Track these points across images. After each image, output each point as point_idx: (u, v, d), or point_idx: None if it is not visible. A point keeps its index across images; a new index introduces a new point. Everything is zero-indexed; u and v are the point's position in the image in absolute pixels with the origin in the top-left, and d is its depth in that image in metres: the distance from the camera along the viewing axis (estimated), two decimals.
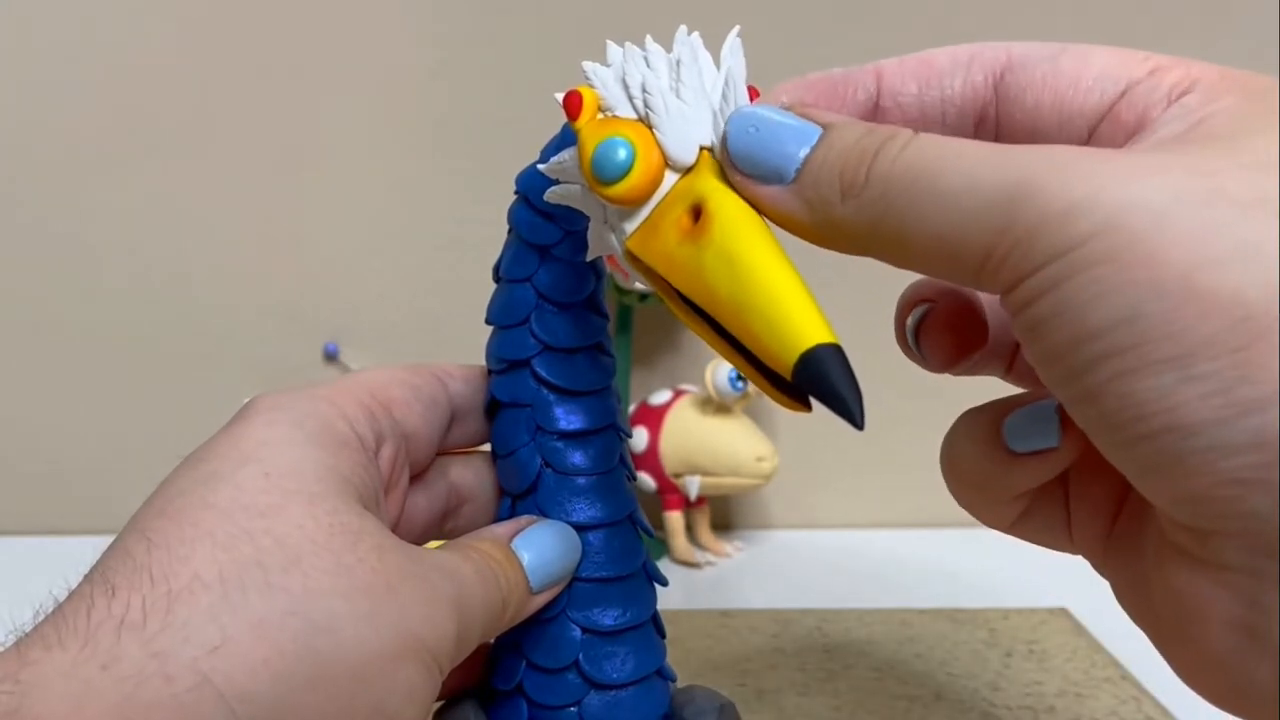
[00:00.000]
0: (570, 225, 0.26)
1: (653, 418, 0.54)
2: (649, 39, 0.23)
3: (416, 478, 0.27)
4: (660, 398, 0.55)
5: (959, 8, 0.54)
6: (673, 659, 0.28)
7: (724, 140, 0.21)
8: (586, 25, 0.54)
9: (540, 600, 0.26)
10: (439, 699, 0.25)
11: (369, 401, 0.25)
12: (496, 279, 0.28)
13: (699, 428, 0.53)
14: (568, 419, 0.27)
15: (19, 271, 0.57)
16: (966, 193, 0.18)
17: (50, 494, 0.59)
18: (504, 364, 0.27)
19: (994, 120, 0.22)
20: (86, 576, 0.20)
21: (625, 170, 0.21)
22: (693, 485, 0.53)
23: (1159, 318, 0.16)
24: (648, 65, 0.22)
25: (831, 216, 0.20)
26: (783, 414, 0.58)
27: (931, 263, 0.19)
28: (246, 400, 0.24)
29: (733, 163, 0.21)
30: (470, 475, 0.28)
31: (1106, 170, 0.17)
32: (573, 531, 0.26)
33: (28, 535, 0.59)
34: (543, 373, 0.27)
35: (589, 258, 0.25)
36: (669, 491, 0.54)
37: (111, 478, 0.58)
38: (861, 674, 0.42)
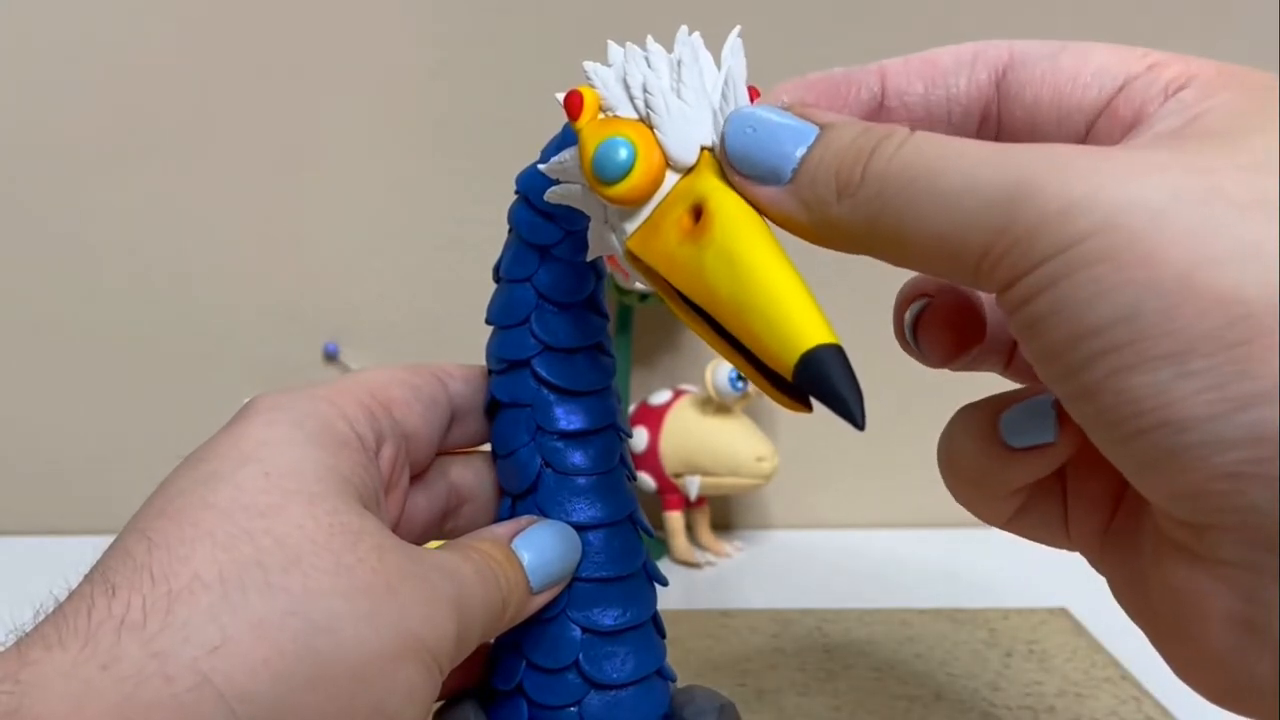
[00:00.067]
0: (570, 225, 0.26)
1: (653, 418, 0.54)
2: (650, 39, 0.23)
3: (416, 478, 0.27)
4: (660, 398, 0.55)
5: (959, 8, 0.54)
6: (673, 659, 0.28)
7: (722, 141, 0.21)
8: (586, 25, 0.54)
9: (540, 600, 0.26)
10: (439, 699, 0.25)
11: (369, 401, 0.25)
12: (496, 279, 0.28)
13: (699, 428, 0.53)
14: (568, 419, 0.27)
15: (19, 271, 0.57)
16: (966, 192, 0.18)
17: (50, 494, 0.59)
18: (504, 364, 0.27)
19: (996, 118, 0.22)
20: (87, 576, 0.20)
21: (626, 170, 0.21)
22: (693, 485, 0.53)
23: (1157, 315, 0.16)
24: (649, 65, 0.22)
25: (828, 216, 0.20)
26: (783, 414, 0.58)
27: (929, 261, 0.19)
28: (246, 400, 0.24)
29: (731, 163, 0.21)
30: (470, 475, 0.28)
31: (1105, 169, 0.17)
32: (573, 531, 0.26)
33: (28, 535, 0.59)
34: (543, 373, 0.27)
35: (589, 258, 0.25)
36: (669, 491, 0.54)
37: (111, 478, 0.58)
38: (861, 674, 0.42)
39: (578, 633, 0.26)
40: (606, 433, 0.27)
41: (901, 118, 0.23)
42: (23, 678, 0.18)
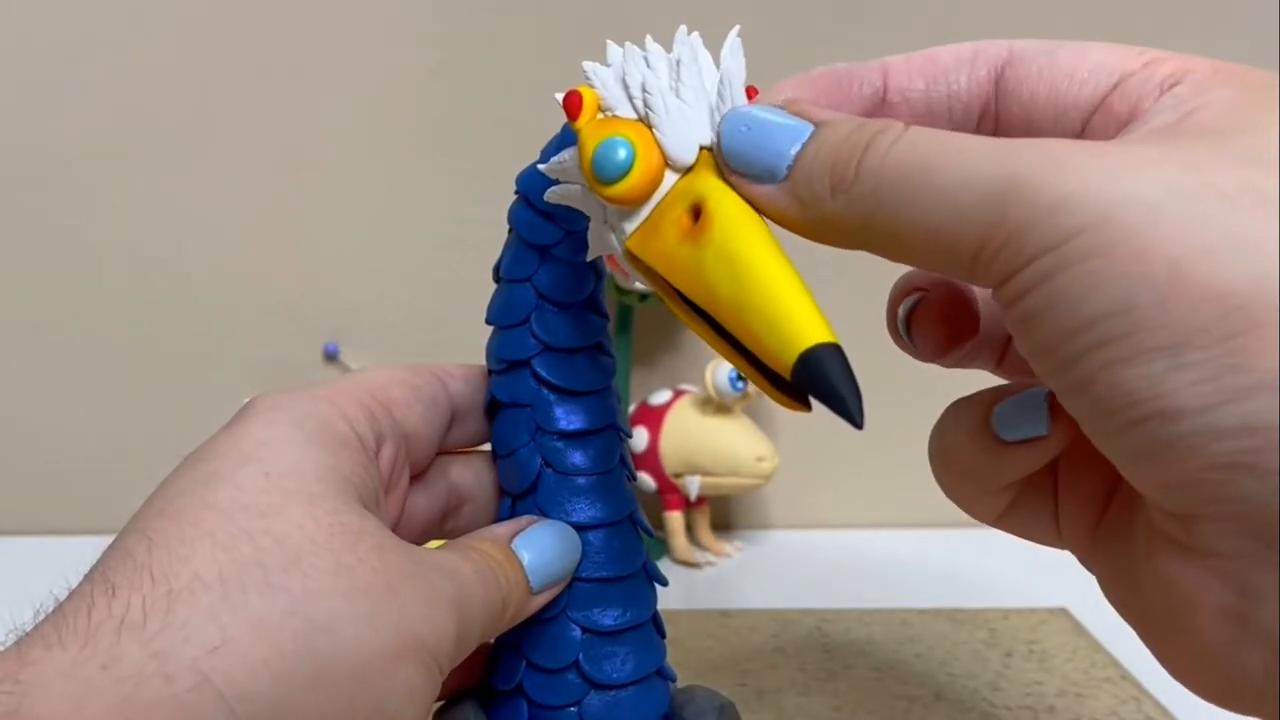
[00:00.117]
0: (570, 225, 0.26)
1: (653, 418, 0.54)
2: (649, 39, 0.23)
3: (416, 478, 0.27)
4: (660, 398, 0.55)
5: (959, 8, 0.54)
6: (673, 659, 0.28)
7: (718, 140, 0.21)
8: (586, 25, 0.54)
9: (540, 600, 0.26)
10: (439, 699, 0.25)
11: (369, 401, 0.25)
12: (496, 279, 0.28)
13: (699, 428, 0.53)
14: (568, 419, 0.27)
15: (19, 271, 0.57)
16: (961, 187, 0.18)
17: (50, 494, 0.59)
18: (504, 364, 0.27)
19: (994, 114, 0.22)
20: (86, 576, 0.20)
21: (625, 170, 0.21)
22: (693, 485, 0.53)
23: (1151, 308, 0.16)
24: (648, 65, 0.22)
25: (823, 212, 0.20)
26: (783, 414, 0.58)
27: (925, 256, 0.19)
28: (246, 400, 0.24)
29: (727, 162, 0.21)
30: (470, 475, 0.28)
31: (1099, 164, 0.17)
32: (573, 532, 0.26)
33: (28, 535, 0.59)
34: (543, 373, 0.27)
35: (589, 258, 0.25)
36: (669, 491, 0.54)
37: (111, 478, 0.58)
38: (861, 674, 0.42)
39: (578, 633, 0.26)
40: (606, 433, 0.27)
41: (903, 114, 0.23)
42: (23, 677, 0.18)
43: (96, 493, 0.56)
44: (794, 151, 0.20)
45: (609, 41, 0.23)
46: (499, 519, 0.28)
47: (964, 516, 0.25)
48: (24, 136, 0.55)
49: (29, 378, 0.58)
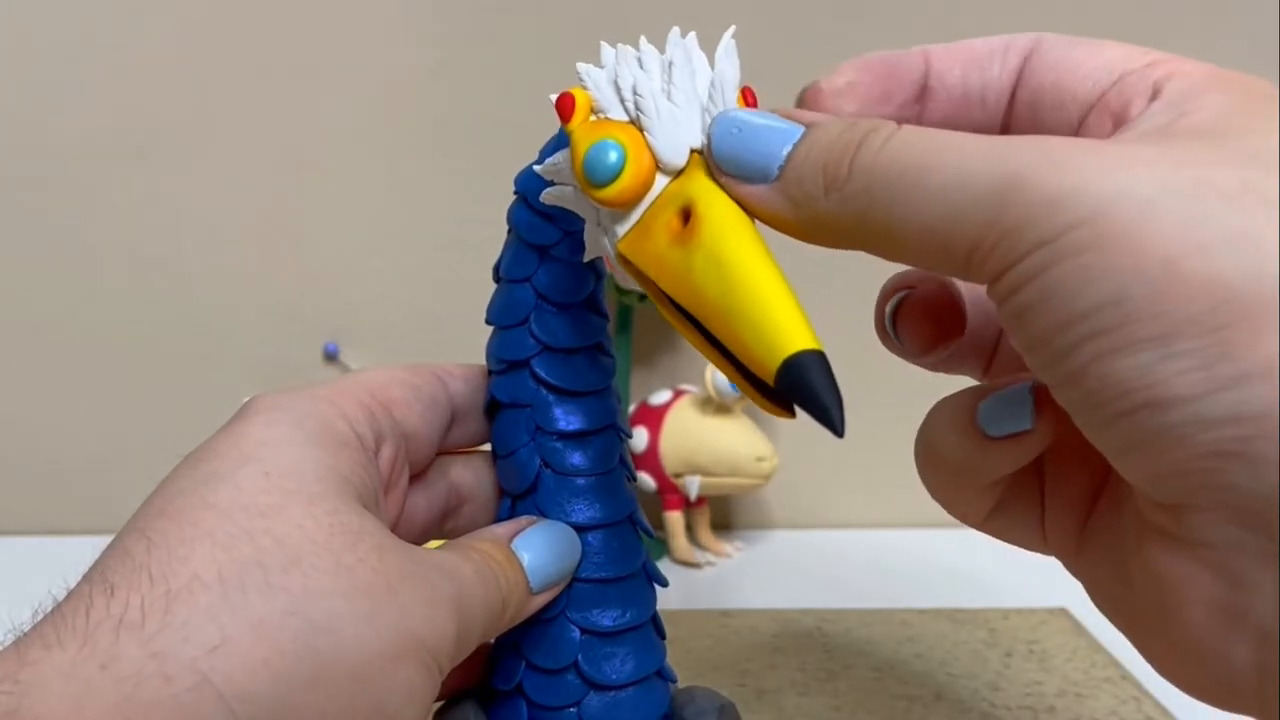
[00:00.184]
0: (569, 226, 0.26)
1: (653, 418, 0.54)
2: (643, 40, 0.23)
3: (416, 478, 0.27)
4: (660, 398, 0.55)
5: (959, 8, 0.54)
6: (673, 659, 0.28)
7: (708, 142, 0.21)
8: (586, 25, 0.54)
9: (540, 601, 0.26)
10: (439, 699, 0.25)
11: (369, 401, 0.25)
12: (496, 279, 0.28)
13: (699, 428, 0.53)
14: (567, 419, 0.27)
15: (19, 271, 0.57)
16: (955, 186, 0.18)
17: (50, 494, 0.59)
18: (504, 364, 0.27)
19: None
20: (85, 576, 0.20)
21: (616, 173, 0.21)
22: (693, 485, 0.53)
23: (1144, 300, 0.16)
24: (640, 67, 0.22)
25: (816, 211, 0.20)
26: None
27: (919, 254, 0.19)
28: (246, 400, 0.24)
29: (718, 164, 0.21)
30: (470, 475, 0.28)
31: (1094, 161, 0.17)
32: (572, 532, 0.26)
33: (28, 535, 0.59)
34: (542, 373, 0.27)
35: (586, 259, 0.25)
36: (669, 491, 0.54)
37: (111, 478, 0.58)
38: (861, 674, 0.42)
39: (577, 633, 0.26)
40: (606, 433, 0.27)
41: (941, 100, 0.23)
42: (22, 678, 0.18)
43: (96, 493, 0.56)
44: (786, 152, 0.20)
45: (602, 43, 0.23)
46: (499, 519, 0.28)
47: None
48: (24, 136, 0.55)
49: (29, 378, 0.58)
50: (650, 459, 0.54)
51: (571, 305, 0.27)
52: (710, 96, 0.22)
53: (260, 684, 0.19)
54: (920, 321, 0.25)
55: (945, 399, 0.24)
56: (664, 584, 0.28)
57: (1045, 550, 0.24)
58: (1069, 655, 0.43)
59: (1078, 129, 0.21)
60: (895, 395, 0.48)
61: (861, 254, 0.21)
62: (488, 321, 0.28)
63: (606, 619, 0.26)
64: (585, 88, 0.23)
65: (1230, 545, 0.17)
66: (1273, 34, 0.53)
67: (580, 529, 0.26)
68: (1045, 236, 0.17)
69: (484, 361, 0.28)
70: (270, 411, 0.23)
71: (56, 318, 0.58)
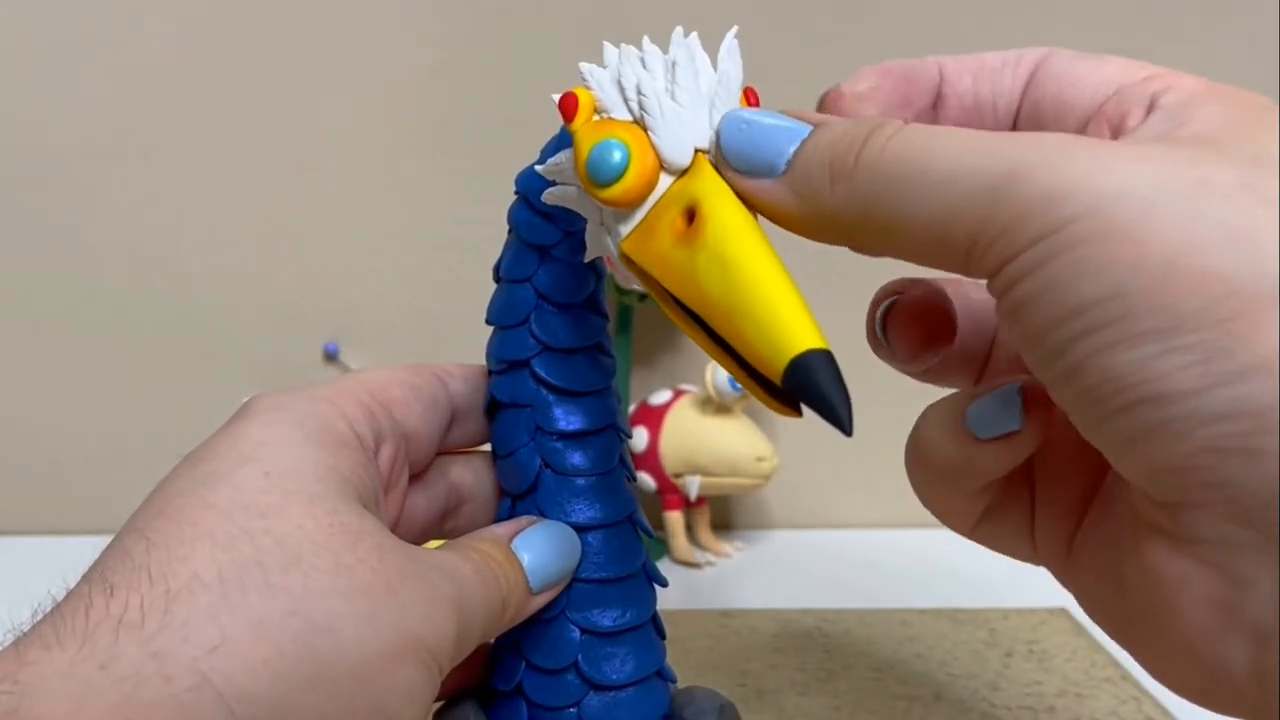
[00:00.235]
0: (570, 226, 0.26)
1: (653, 418, 0.54)
2: (646, 40, 0.23)
3: (416, 478, 0.27)
4: (660, 398, 0.55)
5: (959, 8, 0.53)
6: (673, 659, 0.28)
7: (717, 137, 0.21)
8: (586, 25, 0.54)
9: (540, 601, 0.26)
10: (439, 699, 0.25)
11: (369, 401, 0.25)
12: (496, 279, 0.28)
13: (699, 428, 0.53)
14: (567, 419, 0.27)
15: (19, 271, 0.57)
16: (956, 180, 0.18)
17: (50, 494, 0.59)
18: (504, 364, 0.27)
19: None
20: (85, 576, 0.20)
21: (620, 173, 0.21)
22: (693, 485, 0.53)
23: (1142, 294, 0.16)
24: (644, 67, 0.22)
25: (821, 206, 0.20)
26: None
27: (921, 249, 0.19)
28: (246, 400, 0.24)
29: (725, 159, 0.21)
30: (470, 475, 0.28)
31: (1093, 158, 0.17)
32: (572, 532, 0.26)
33: (28, 535, 0.59)
34: (542, 373, 0.27)
35: (587, 259, 0.25)
36: (669, 491, 0.54)
37: (111, 478, 0.58)
38: (861, 674, 0.42)
39: (577, 634, 0.26)
40: (606, 433, 0.27)
41: (954, 109, 0.23)
42: (21, 678, 0.18)
43: (96, 493, 0.56)
44: (793, 149, 0.21)
45: (605, 43, 0.23)
46: (499, 519, 0.28)
47: None
48: (24, 136, 0.55)
49: (29, 378, 0.58)
50: (650, 459, 0.54)
51: (572, 305, 0.27)
52: (716, 95, 0.22)
53: (260, 684, 0.19)
54: (910, 326, 0.25)
55: (934, 403, 0.24)
56: (664, 584, 0.28)
57: (1034, 559, 0.24)
58: (1069, 655, 0.43)
59: None
60: (895, 396, 0.48)
61: (861, 255, 0.21)
62: (488, 321, 0.28)
63: (606, 619, 0.26)
64: (588, 87, 0.23)
65: (1228, 542, 0.17)
66: (1273, 34, 0.53)
67: (580, 529, 0.26)
68: (1044, 230, 0.17)
69: (484, 361, 0.28)
70: (270, 411, 0.23)
71: (56, 318, 0.58)
